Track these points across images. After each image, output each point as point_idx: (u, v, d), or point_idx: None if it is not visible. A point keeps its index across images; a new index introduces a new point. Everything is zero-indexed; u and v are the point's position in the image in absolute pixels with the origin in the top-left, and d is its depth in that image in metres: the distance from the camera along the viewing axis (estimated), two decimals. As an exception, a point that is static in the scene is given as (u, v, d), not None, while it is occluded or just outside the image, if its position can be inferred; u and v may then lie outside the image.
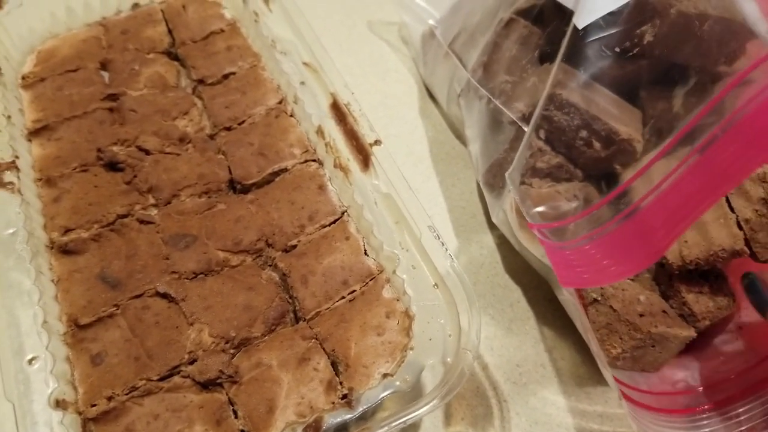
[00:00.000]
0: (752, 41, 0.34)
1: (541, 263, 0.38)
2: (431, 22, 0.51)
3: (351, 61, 0.55)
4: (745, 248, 0.35)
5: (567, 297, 0.35)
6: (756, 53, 0.34)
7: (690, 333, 0.37)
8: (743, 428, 0.36)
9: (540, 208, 0.32)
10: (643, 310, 0.37)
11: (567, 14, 0.37)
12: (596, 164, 0.39)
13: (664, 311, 0.37)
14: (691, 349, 0.39)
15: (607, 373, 0.33)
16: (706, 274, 0.38)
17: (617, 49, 0.33)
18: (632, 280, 0.39)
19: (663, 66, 0.34)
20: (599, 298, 0.37)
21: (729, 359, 0.39)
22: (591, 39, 0.34)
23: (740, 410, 0.36)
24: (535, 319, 0.41)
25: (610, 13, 0.33)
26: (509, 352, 0.40)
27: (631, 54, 0.34)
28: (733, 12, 0.33)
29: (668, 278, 0.38)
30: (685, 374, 0.38)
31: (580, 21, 0.33)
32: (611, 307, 0.37)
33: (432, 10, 0.52)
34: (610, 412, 0.38)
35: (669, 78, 0.36)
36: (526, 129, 0.37)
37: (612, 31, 0.33)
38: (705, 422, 0.36)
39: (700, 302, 0.38)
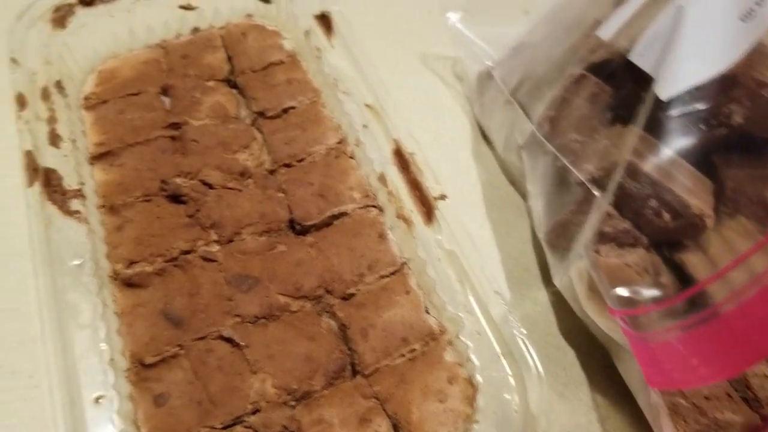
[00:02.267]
0: None
1: (602, 332, 0.37)
2: (488, 62, 0.51)
3: (402, 95, 0.55)
4: None
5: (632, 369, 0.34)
6: None
7: (755, 419, 0.36)
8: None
9: (618, 291, 0.32)
10: (709, 393, 0.36)
11: (643, 77, 0.36)
12: (663, 234, 0.38)
13: (728, 394, 0.37)
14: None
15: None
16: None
17: (702, 126, 0.33)
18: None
19: (751, 139, 0.34)
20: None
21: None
22: (673, 111, 0.33)
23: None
24: (588, 385, 0.41)
25: (696, 87, 0.32)
26: (561, 418, 0.40)
27: (717, 129, 0.33)
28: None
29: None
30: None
31: (664, 92, 0.33)
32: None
33: (490, 50, 0.51)
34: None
35: (745, 151, 0.35)
36: (595, 192, 0.37)
37: (698, 106, 0.32)
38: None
39: (765, 387, 0.37)
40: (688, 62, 0.33)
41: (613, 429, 0.39)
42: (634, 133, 0.36)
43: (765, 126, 0.32)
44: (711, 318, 0.26)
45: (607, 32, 0.40)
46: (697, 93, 0.32)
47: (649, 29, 0.37)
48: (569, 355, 0.42)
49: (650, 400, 0.32)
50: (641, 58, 0.36)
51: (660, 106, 0.34)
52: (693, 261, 0.39)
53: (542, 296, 0.44)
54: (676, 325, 0.27)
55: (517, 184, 0.49)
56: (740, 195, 0.39)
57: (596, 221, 0.36)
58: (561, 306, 0.43)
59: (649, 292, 0.32)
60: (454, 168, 0.51)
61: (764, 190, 0.36)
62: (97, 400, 0.29)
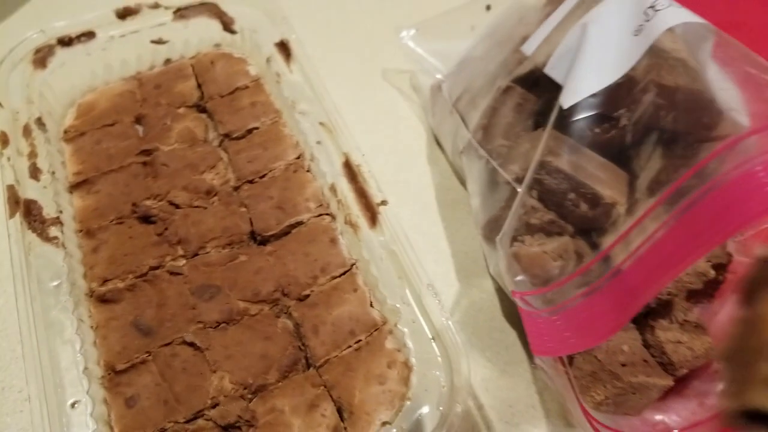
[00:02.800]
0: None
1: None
2: (438, 76, 0.55)
3: (365, 109, 0.59)
4: (709, 269, 0.38)
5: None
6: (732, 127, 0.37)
7: (668, 382, 0.40)
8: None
9: (521, 277, 0.35)
10: (625, 360, 0.40)
11: (558, 87, 0.40)
12: (584, 222, 0.42)
13: (645, 360, 0.41)
14: (670, 392, 0.42)
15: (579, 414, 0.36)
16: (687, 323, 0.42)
17: (597, 130, 0.36)
18: (618, 330, 0.42)
19: (647, 133, 0.37)
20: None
21: (704, 402, 0.42)
22: (576, 117, 0.37)
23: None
24: (527, 362, 0.45)
25: (592, 95, 0.36)
26: (503, 392, 0.44)
27: (613, 129, 0.37)
28: (703, 86, 0.37)
29: (649, 326, 0.41)
30: (663, 416, 0.42)
31: (565, 101, 0.37)
32: (596, 357, 0.40)
33: (439, 64, 0.55)
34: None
35: (652, 143, 0.39)
36: (518, 189, 0.41)
37: (594, 112, 0.36)
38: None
39: (679, 352, 0.41)
40: (587, 74, 0.37)
41: (549, 399, 0.43)
42: (549, 134, 0.40)
43: (656, 116, 0.36)
44: (613, 276, 0.30)
45: (530, 48, 0.44)
46: (593, 100, 0.36)
47: (561, 45, 0.40)
48: (511, 336, 0.45)
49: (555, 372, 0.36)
50: (554, 70, 0.40)
51: (565, 112, 0.37)
52: (610, 241, 0.43)
53: (487, 284, 0.48)
54: (587, 289, 0.31)
55: (465, 185, 0.53)
56: (650, 182, 0.43)
57: (517, 216, 0.40)
58: (503, 293, 0.47)
59: (555, 271, 0.35)
60: (412, 172, 0.55)
61: (670, 175, 0.40)
62: (73, 405, 0.34)
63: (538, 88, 0.43)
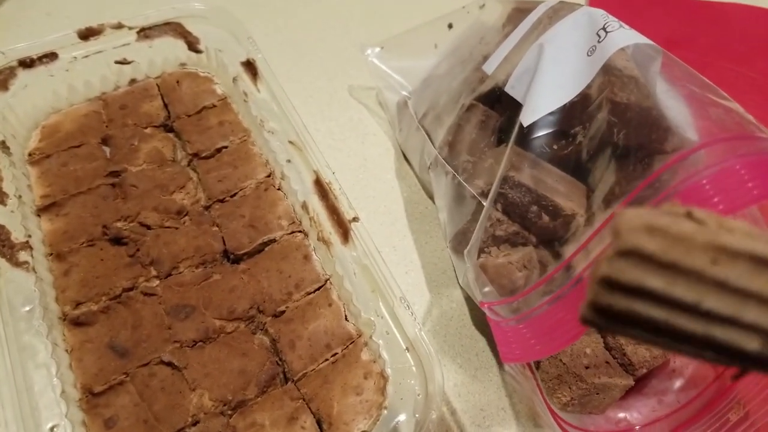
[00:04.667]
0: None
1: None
2: (404, 93, 0.57)
3: (333, 125, 0.61)
4: None
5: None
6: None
7: (628, 382, 0.42)
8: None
9: (488, 288, 0.37)
10: (589, 363, 0.42)
11: (519, 104, 0.42)
12: (546, 233, 0.44)
13: (607, 362, 0.43)
14: (631, 391, 0.44)
15: (546, 413, 0.38)
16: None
17: (555, 146, 0.39)
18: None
19: (601, 148, 0.40)
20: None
21: (663, 399, 0.44)
22: (535, 134, 0.39)
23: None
24: (497, 367, 0.46)
25: (550, 114, 0.38)
26: (474, 397, 0.45)
27: (570, 146, 0.39)
28: (653, 103, 0.39)
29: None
30: (625, 414, 0.44)
31: (525, 119, 0.39)
32: (561, 360, 0.42)
33: (404, 81, 0.57)
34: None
35: (607, 158, 0.41)
36: (484, 204, 0.42)
37: (552, 130, 0.38)
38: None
39: (638, 353, 0.43)
40: (544, 93, 0.39)
41: (518, 401, 0.45)
42: (511, 150, 0.42)
43: (627, 136, 0.38)
44: (576, 283, 0.31)
45: (490, 67, 0.46)
46: (550, 118, 0.38)
47: (519, 65, 0.43)
48: (480, 343, 0.47)
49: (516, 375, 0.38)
50: (513, 89, 0.42)
51: (525, 129, 0.39)
52: (571, 251, 0.45)
53: (457, 294, 0.49)
54: (551, 297, 0.33)
55: (433, 199, 0.55)
56: (606, 195, 0.45)
57: (483, 228, 0.41)
58: (471, 302, 0.49)
59: (520, 282, 0.37)
60: (381, 187, 0.56)
61: (624, 188, 0.43)
62: (51, 429, 0.33)
63: (499, 105, 0.45)
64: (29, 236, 0.41)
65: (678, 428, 0.43)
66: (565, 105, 0.38)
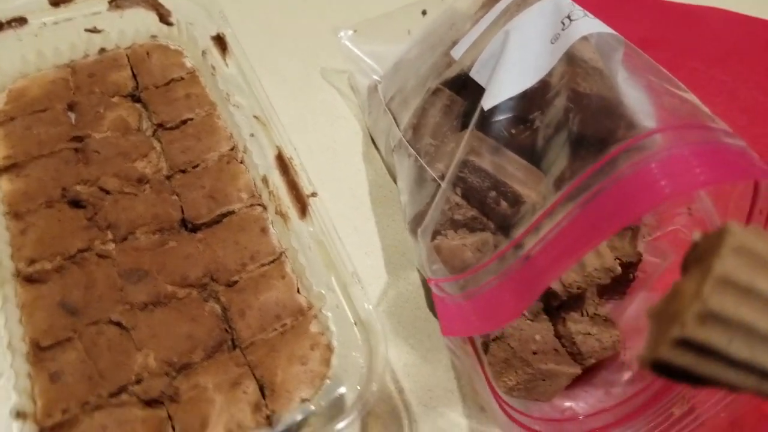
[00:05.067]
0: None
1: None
2: (375, 77, 0.57)
3: (303, 107, 0.61)
4: (615, 265, 0.41)
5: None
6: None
7: (576, 370, 0.43)
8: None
9: (439, 266, 0.38)
10: (537, 349, 0.43)
11: (482, 90, 0.43)
12: (505, 219, 0.45)
13: (555, 350, 0.44)
14: (579, 381, 0.45)
15: (489, 398, 0.39)
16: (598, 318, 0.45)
17: (513, 131, 0.39)
18: (531, 320, 0.45)
19: (557, 134, 0.41)
20: (501, 336, 0.43)
21: (610, 391, 0.45)
22: (495, 118, 0.40)
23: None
24: (448, 351, 0.47)
25: (510, 99, 0.39)
26: (424, 378, 0.46)
27: (528, 131, 0.40)
28: (615, 94, 0.40)
29: (561, 317, 0.45)
30: (571, 403, 0.45)
31: (486, 103, 0.40)
32: (509, 344, 0.43)
33: (376, 65, 0.58)
34: (505, 433, 0.44)
35: (561, 144, 0.42)
36: (442, 186, 0.43)
37: (511, 115, 0.39)
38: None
39: (588, 343, 0.44)
40: (506, 78, 0.40)
41: (465, 384, 0.45)
42: (472, 135, 0.43)
43: (584, 122, 0.39)
44: (523, 261, 0.32)
45: (458, 52, 0.47)
46: (510, 103, 0.39)
47: (485, 50, 0.43)
48: (433, 325, 0.48)
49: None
50: (478, 74, 0.43)
51: (486, 113, 0.40)
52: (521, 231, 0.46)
53: (414, 277, 0.50)
54: (498, 275, 0.33)
55: (397, 183, 0.55)
56: (556, 179, 0.46)
57: (440, 210, 0.42)
58: (427, 284, 0.49)
59: (478, 261, 0.38)
60: (347, 170, 0.57)
61: (575, 172, 0.44)
62: (-5, 379, 0.34)
63: (465, 91, 0.46)
64: (-14, 193, 0.41)
65: (623, 420, 0.44)
66: (526, 91, 0.39)
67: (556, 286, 0.43)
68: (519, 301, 0.31)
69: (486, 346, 0.44)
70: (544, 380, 0.43)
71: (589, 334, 0.44)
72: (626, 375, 0.47)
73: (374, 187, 0.56)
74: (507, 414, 0.41)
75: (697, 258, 0.19)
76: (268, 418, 0.35)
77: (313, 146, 0.58)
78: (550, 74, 0.39)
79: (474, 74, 0.43)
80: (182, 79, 0.53)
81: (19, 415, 0.33)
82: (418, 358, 0.47)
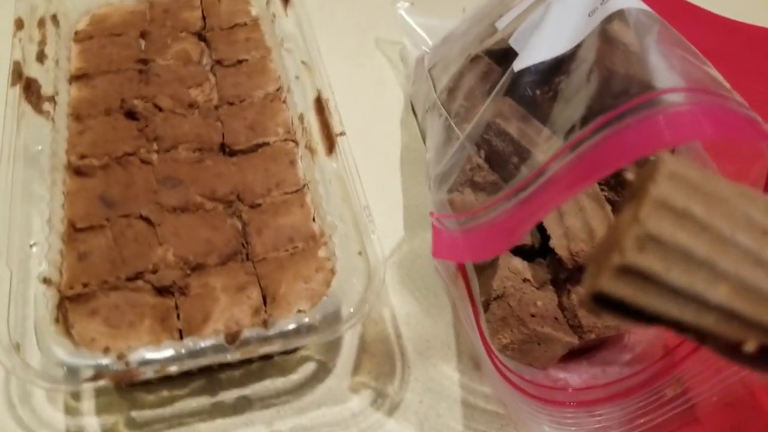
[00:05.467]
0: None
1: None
2: (425, 48, 0.60)
3: (353, 71, 0.64)
4: None
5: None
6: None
7: (572, 339, 0.43)
8: (600, 426, 0.42)
9: (441, 196, 0.39)
10: (536, 312, 0.44)
11: (518, 59, 0.44)
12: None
13: (555, 318, 0.44)
14: (577, 356, 0.46)
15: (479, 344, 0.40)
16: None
17: (538, 92, 0.41)
18: (537, 288, 0.46)
19: (576, 95, 0.41)
20: (501, 296, 0.44)
21: (606, 369, 0.46)
22: (523, 79, 0.41)
23: (602, 411, 0.43)
24: (451, 309, 0.48)
25: (540, 63, 0.41)
26: (423, 329, 0.48)
27: (552, 92, 0.41)
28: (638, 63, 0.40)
29: (567, 290, 0.45)
30: (566, 375, 0.45)
31: (517, 65, 0.41)
32: (508, 303, 0.44)
33: (427, 38, 0.60)
34: (497, 395, 0.45)
35: (582, 103, 0.43)
36: (466, 145, 0.45)
37: (538, 78, 0.40)
38: (570, 415, 0.43)
39: (590, 317, 0.44)
40: (541, 44, 0.41)
41: (464, 343, 0.47)
42: (502, 99, 0.45)
43: (604, 86, 0.39)
44: (522, 202, 0.34)
45: (502, 23, 0.48)
46: (539, 66, 0.40)
47: (526, 21, 0.45)
48: (441, 284, 0.49)
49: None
50: (516, 42, 0.45)
51: (514, 76, 0.42)
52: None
53: (429, 236, 0.51)
54: (495, 214, 0.35)
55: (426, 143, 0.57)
56: (569, 130, 0.46)
57: (460, 167, 0.44)
58: (439, 244, 0.51)
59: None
60: (383, 132, 0.59)
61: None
62: (31, 246, 0.38)
63: (503, 60, 0.47)
64: (57, 93, 0.46)
65: (614, 396, 0.44)
66: (556, 57, 0.40)
67: (562, 252, 0.43)
68: (509, 237, 0.33)
69: (487, 305, 0.45)
70: (539, 344, 0.43)
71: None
72: (626, 356, 0.47)
73: (406, 150, 0.58)
74: (498, 369, 0.42)
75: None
76: (264, 322, 0.37)
77: (353, 105, 0.60)
78: (581, 44, 0.40)
79: (512, 42, 0.45)
80: (245, 24, 0.57)
81: (46, 280, 0.37)
82: (421, 311, 0.49)
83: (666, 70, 0.33)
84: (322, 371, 0.45)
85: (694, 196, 0.18)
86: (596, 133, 0.31)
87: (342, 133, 0.45)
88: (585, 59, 0.40)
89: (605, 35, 0.40)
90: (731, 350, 0.19)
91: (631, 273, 0.17)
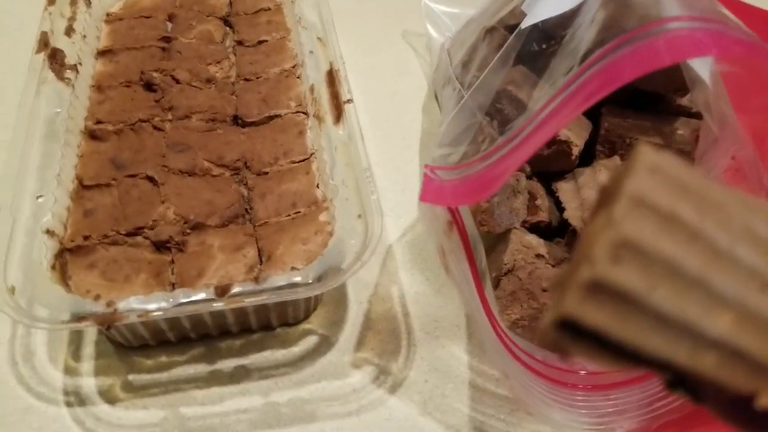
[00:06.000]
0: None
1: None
2: (448, 34, 0.59)
3: (376, 59, 0.64)
4: None
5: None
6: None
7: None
8: (615, 410, 0.39)
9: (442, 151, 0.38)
10: (549, 287, 0.41)
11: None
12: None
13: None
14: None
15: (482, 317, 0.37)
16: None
17: (544, 46, 0.39)
18: (552, 265, 0.43)
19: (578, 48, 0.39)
20: (512, 269, 0.42)
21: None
22: (530, 36, 0.40)
23: (618, 395, 0.39)
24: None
25: (544, 21, 0.39)
26: (432, 308, 0.46)
27: (556, 45, 0.39)
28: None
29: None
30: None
31: (525, 23, 0.40)
32: (518, 276, 0.41)
33: (451, 24, 0.59)
34: (505, 377, 0.42)
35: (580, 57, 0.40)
36: (478, 115, 0.43)
37: (543, 34, 0.39)
38: (582, 397, 0.40)
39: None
40: (548, 3, 0.40)
41: (474, 325, 0.44)
42: (516, 69, 0.43)
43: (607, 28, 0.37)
44: (515, 147, 0.32)
45: (518, -5, 0.47)
46: (546, 22, 0.39)
47: (538, -13, 0.44)
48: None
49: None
50: (527, 6, 0.43)
51: (521, 31, 0.40)
52: (564, 187, 0.45)
53: (442, 215, 0.50)
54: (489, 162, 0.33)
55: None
56: (614, 137, 0.45)
57: (474, 141, 0.42)
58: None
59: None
60: (404, 117, 0.59)
61: (634, 134, 0.43)
62: (37, 197, 0.39)
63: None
64: (80, 64, 0.48)
65: (632, 381, 0.40)
66: (562, 14, 0.38)
67: (576, 223, 0.41)
68: (488, 187, 0.31)
69: (497, 282, 0.43)
70: (549, 321, 0.41)
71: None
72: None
73: (426, 135, 0.57)
74: (505, 346, 0.39)
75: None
76: (256, 278, 0.36)
77: (374, 91, 0.60)
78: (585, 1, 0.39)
79: (524, 6, 0.43)
80: (269, 9, 0.58)
81: (48, 231, 0.38)
82: (431, 290, 0.47)
83: (671, 3, 0.31)
84: (324, 345, 0.43)
85: (682, 196, 0.14)
86: (590, 68, 0.29)
87: (349, 101, 0.44)
88: (588, 11, 0.38)
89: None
90: (737, 407, 0.14)
91: (604, 291, 0.13)
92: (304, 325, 0.44)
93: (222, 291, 0.35)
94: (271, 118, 0.48)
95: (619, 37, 0.29)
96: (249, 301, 0.34)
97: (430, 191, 0.35)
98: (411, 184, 0.53)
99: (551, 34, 0.39)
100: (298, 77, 0.51)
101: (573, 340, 0.14)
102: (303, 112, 0.48)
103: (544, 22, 0.39)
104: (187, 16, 0.56)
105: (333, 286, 0.35)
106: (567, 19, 0.38)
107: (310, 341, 0.44)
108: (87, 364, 0.42)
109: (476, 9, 0.58)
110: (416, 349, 0.44)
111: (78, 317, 0.33)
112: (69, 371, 0.41)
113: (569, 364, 0.43)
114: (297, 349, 0.43)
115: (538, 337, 0.35)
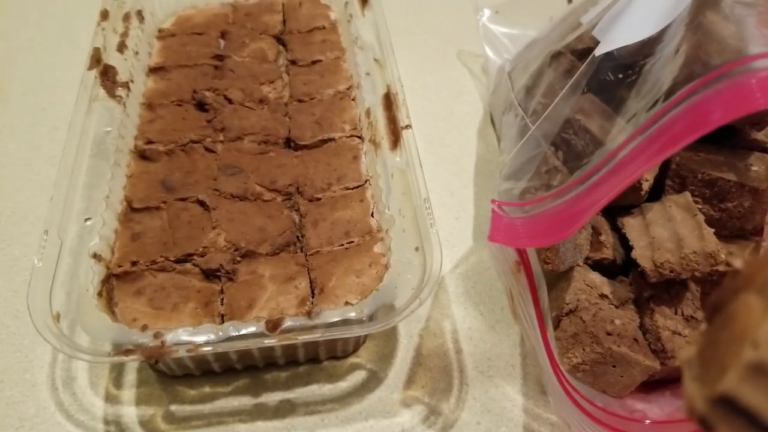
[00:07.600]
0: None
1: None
2: (507, 56, 0.57)
3: (432, 80, 0.62)
4: (719, 252, 0.36)
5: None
6: None
7: (653, 364, 0.38)
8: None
9: (508, 185, 0.36)
10: (613, 331, 0.38)
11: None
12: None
13: (635, 339, 0.39)
14: (660, 387, 0.40)
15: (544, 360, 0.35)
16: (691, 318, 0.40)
17: (620, 76, 0.37)
18: (616, 306, 0.40)
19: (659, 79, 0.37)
20: (574, 310, 0.39)
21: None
22: (605, 64, 0.37)
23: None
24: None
25: (621, 48, 0.37)
26: (486, 346, 0.43)
27: (635, 75, 0.37)
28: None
29: (650, 309, 0.40)
30: (645, 406, 0.39)
31: (599, 50, 0.37)
32: (581, 318, 0.39)
33: (511, 46, 0.57)
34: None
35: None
36: (543, 144, 0.41)
37: (619, 62, 0.36)
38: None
39: (675, 341, 0.38)
40: (624, 28, 0.37)
41: (532, 364, 0.42)
42: (585, 97, 0.41)
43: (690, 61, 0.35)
44: (590, 188, 0.30)
45: (587, 18, 0.45)
46: (622, 50, 0.36)
47: (611, 10, 0.41)
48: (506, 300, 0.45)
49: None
50: (600, 32, 0.41)
51: (595, 63, 0.38)
52: (631, 223, 0.42)
53: (498, 248, 0.48)
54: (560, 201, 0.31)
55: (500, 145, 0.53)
56: (685, 171, 0.42)
57: (538, 172, 0.40)
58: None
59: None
60: (458, 141, 0.57)
61: (707, 169, 0.40)
62: (86, 220, 0.38)
63: (586, 58, 0.44)
64: (131, 81, 0.47)
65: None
66: (642, 41, 0.36)
67: (645, 263, 0.38)
68: (565, 228, 0.29)
69: (558, 321, 0.40)
70: (614, 366, 0.38)
71: (678, 333, 0.39)
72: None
73: (481, 160, 0.55)
74: (566, 391, 0.37)
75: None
76: (308, 312, 0.35)
77: (429, 113, 0.58)
78: (669, 26, 0.36)
79: (596, 32, 0.41)
80: (324, 28, 0.56)
81: (96, 255, 0.36)
82: (485, 326, 0.44)
83: (759, 38, 0.28)
84: (373, 381, 0.41)
85: None
86: (676, 107, 0.26)
87: (408, 126, 0.42)
88: (671, 40, 0.35)
89: (705, 35, 0.36)
90: None
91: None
92: (353, 359, 0.42)
93: (273, 326, 0.33)
94: (324, 141, 0.46)
95: (706, 74, 0.26)
96: (302, 339, 0.32)
97: (500, 230, 0.32)
98: (466, 211, 0.51)
99: (627, 63, 0.36)
100: (352, 99, 0.49)
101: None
102: (358, 136, 0.46)
103: (619, 50, 0.36)
104: (240, 33, 0.55)
105: (390, 326, 0.33)
106: (645, 47, 0.36)
107: (358, 376, 0.41)
108: (128, 392, 0.40)
109: (537, 31, 0.55)
110: (468, 389, 0.41)
111: (125, 349, 0.31)
112: (110, 399, 0.40)
113: (631, 413, 0.40)
114: (344, 384, 0.41)
115: (683, 407, 0.32)
